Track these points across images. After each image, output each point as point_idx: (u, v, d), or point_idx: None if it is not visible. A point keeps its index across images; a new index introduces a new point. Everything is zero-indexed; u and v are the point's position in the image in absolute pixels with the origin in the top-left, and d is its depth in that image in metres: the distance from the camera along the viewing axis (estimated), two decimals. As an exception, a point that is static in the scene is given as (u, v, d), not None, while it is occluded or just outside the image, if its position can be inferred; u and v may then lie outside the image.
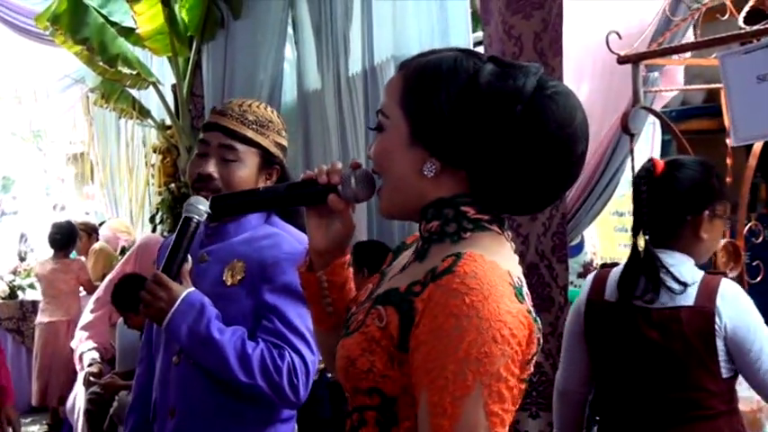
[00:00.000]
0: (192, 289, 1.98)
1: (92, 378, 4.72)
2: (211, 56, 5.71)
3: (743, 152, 3.14)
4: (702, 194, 2.24)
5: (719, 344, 2.11)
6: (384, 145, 1.27)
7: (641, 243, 2.25)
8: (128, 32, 5.76)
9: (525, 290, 1.18)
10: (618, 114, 3.02)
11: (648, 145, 3.69)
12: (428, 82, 1.22)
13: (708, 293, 2.13)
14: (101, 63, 5.60)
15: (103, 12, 5.69)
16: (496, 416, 1.08)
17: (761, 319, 2.17)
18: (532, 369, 1.17)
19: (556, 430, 2.53)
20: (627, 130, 2.89)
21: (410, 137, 1.23)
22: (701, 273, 2.21)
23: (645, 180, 2.26)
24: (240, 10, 5.41)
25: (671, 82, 3.27)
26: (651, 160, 2.32)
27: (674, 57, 3.06)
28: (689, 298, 2.14)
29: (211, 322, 1.94)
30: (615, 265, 2.40)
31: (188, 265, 2.00)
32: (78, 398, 5.08)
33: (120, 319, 4.59)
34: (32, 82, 8.94)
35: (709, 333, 2.11)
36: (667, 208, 2.24)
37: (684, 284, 2.14)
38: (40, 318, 6.74)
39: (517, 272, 1.19)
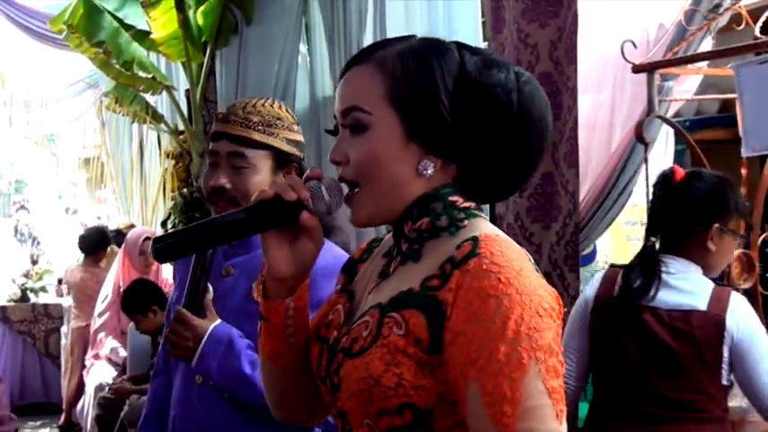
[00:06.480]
0: (218, 322, 1.91)
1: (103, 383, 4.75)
2: (225, 61, 5.72)
3: (758, 163, 3.13)
4: (714, 207, 2.26)
5: (725, 351, 2.17)
6: (371, 147, 1.14)
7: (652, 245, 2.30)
8: (142, 37, 5.78)
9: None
10: (632, 123, 3.01)
11: (663, 155, 3.68)
12: (423, 73, 1.13)
13: (719, 302, 2.18)
14: (116, 66, 5.61)
15: (119, 15, 5.71)
16: (557, 392, 1.01)
17: (764, 334, 2.22)
18: None
19: None
20: (641, 139, 2.89)
21: (405, 135, 1.13)
22: (710, 282, 2.25)
23: (662, 186, 2.31)
24: (253, 16, 5.43)
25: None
26: (672, 167, 2.34)
27: (689, 66, 3.05)
28: (701, 303, 2.19)
29: (241, 356, 1.87)
30: (625, 265, 2.42)
31: (209, 295, 1.94)
32: (88, 401, 5.10)
33: (132, 324, 4.60)
34: (44, 86, 8.97)
35: (718, 339, 2.16)
36: (679, 216, 2.27)
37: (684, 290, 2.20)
38: (73, 323, 6.74)
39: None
